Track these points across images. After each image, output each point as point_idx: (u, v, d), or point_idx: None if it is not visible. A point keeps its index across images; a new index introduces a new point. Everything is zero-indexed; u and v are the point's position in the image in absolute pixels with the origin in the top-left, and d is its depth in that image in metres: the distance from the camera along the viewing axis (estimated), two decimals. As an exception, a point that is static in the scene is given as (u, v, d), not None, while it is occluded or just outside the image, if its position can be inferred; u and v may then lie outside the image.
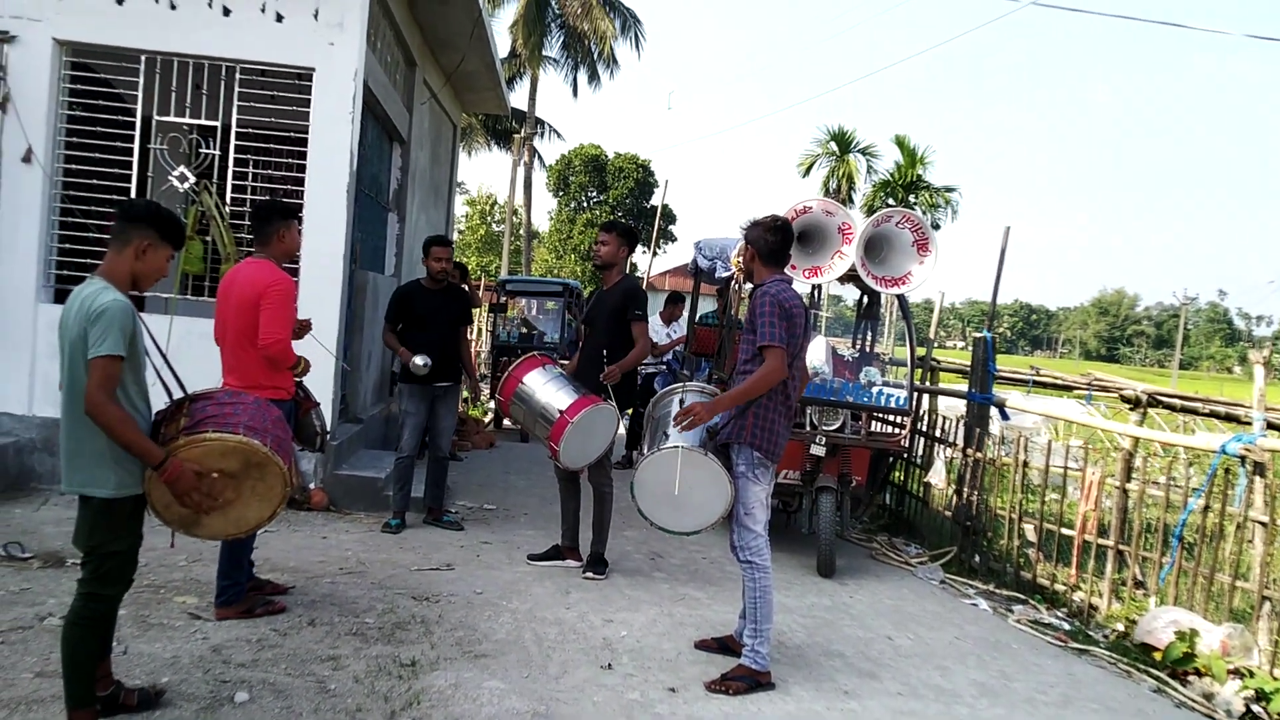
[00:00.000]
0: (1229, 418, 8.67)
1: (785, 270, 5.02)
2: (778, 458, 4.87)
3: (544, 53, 39.17)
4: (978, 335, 8.42)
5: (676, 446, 4.93)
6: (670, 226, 60.79)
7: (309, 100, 7.69)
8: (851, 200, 51.95)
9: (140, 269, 3.76)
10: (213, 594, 5.30)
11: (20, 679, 4.17)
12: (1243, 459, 5.88)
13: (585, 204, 60.60)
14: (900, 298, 7.71)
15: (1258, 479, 5.78)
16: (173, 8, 7.50)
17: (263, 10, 7.58)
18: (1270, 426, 6.82)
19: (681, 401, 5.17)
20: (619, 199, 59.22)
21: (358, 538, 6.96)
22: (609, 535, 6.69)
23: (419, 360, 6.95)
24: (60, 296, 7.64)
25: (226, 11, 7.55)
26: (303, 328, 5.28)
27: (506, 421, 13.84)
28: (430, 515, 7.51)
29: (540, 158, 48.36)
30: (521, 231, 46.01)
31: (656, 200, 59.81)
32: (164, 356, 3.95)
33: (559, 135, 46.72)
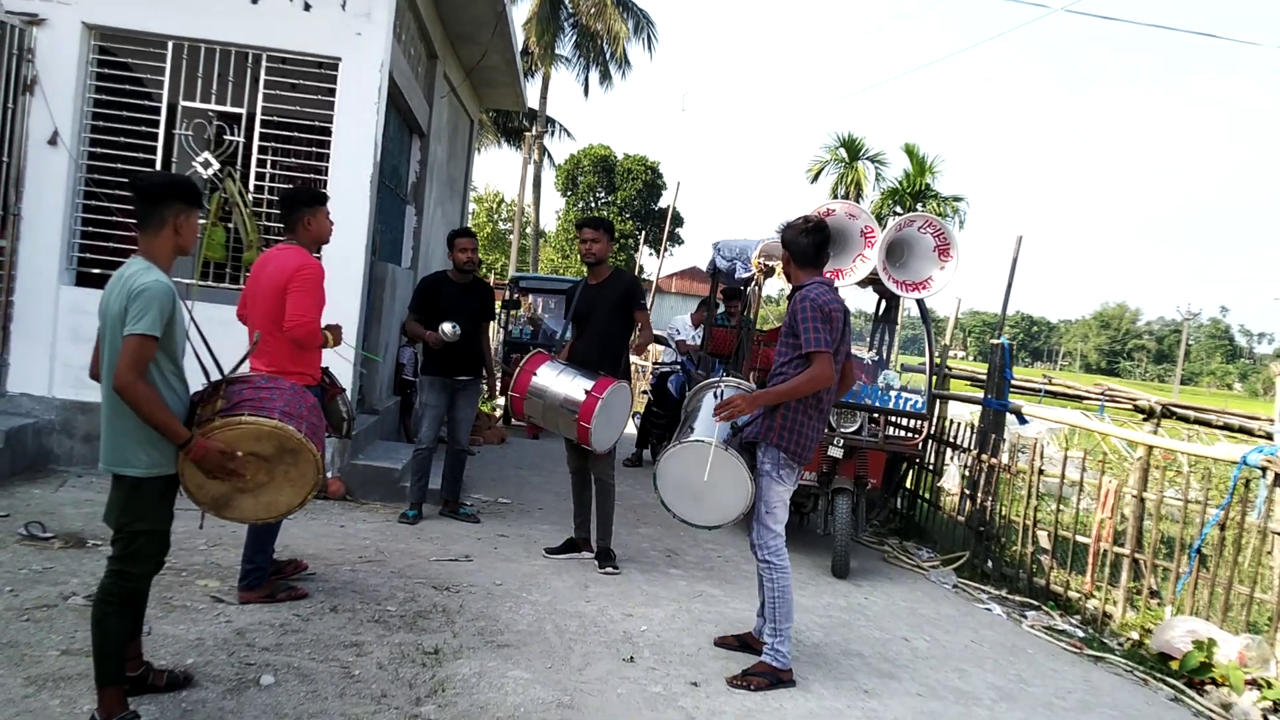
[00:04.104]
0: (1242, 430, 8.71)
1: (823, 272, 5.00)
2: (806, 460, 4.86)
3: (556, 51, 39.23)
4: (995, 342, 8.43)
5: (704, 442, 4.94)
6: (677, 229, 60.88)
7: (334, 90, 7.72)
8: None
9: (181, 242, 3.76)
10: (234, 578, 5.34)
11: (46, 656, 4.19)
12: (1264, 470, 5.89)
13: (593, 204, 60.68)
14: (920, 302, 7.72)
15: (1278, 490, 5.79)
16: (203, -7, 7.52)
17: (291, -1, 7.60)
18: None
19: (718, 395, 5.19)
20: (627, 200, 59.32)
21: (375, 527, 6.98)
22: (614, 527, 6.75)
23: (448, 327, 6.95)
24: (82, 280, 7.66)
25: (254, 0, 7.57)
26: (335, 335, 5.27)
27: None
28: (447, 507, 7.53)
29: (550, 156, 48.46)
30: (529, 230, 46.05)
31: (664, 202, 59.93)
32: (203, 339, 3.96)
33: (569, 134, 46.82)
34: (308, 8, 7.59)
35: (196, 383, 3.92)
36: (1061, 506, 7.35)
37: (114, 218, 7.62)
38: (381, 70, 7.66)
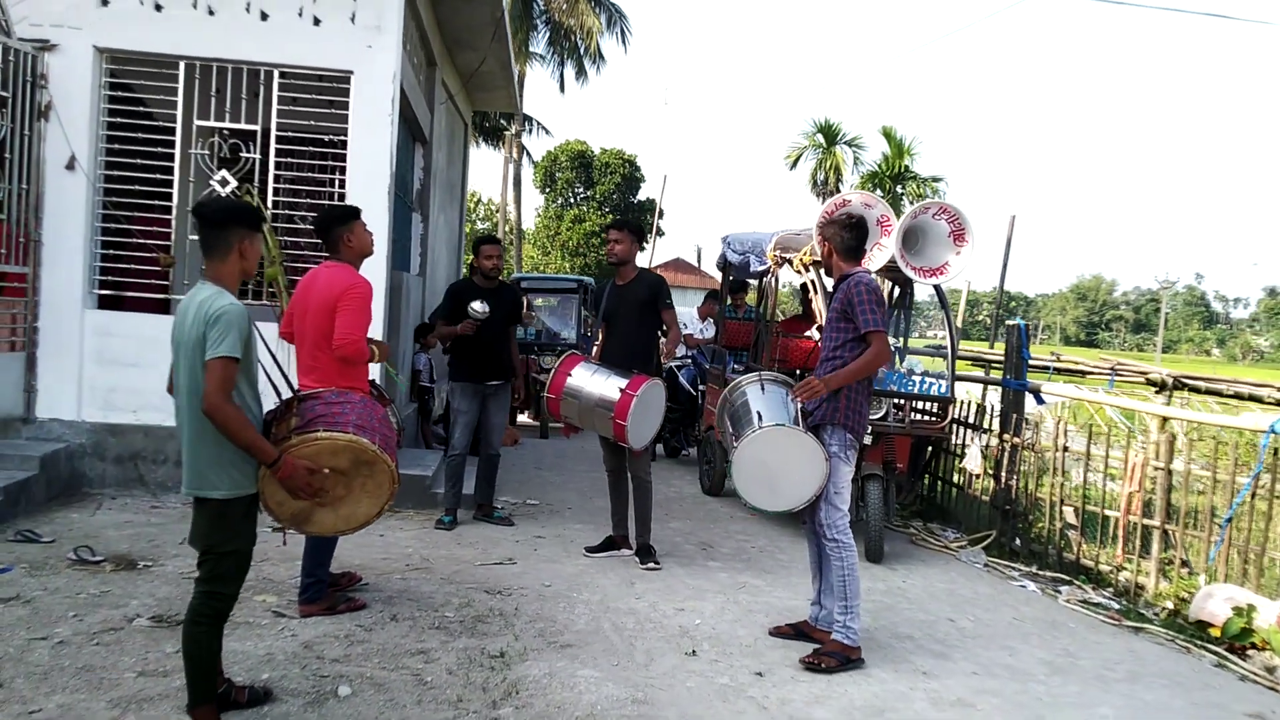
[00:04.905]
0: (1252, 398, 8.87)
1: (863, 264, 5.15)
2: (862, 439, 5.08)
3: (530, 49, 39.16)
4: (1011, 323, 8.55)
5: (783, 425, 5.04)
6: (659, 221, 60.90)
7: (347, 103, 7.76)
8: (839, 192, 52.26)
9: (246, 265, 3.82)
10: (290, 592, 5.40)
11: (124, 679, 4.24)
12: (1292, 437, 6.03)
13: (572, 200, 60.55)
14: (937, 288, 7.82)
15: (1307, 456, 5.94)
16: (211, 14, 7.55)
17: (300, 14, 7.64)
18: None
19: (764, 388, 5.29)
20: (605, 195, 59.19)
21: (414, 535, 7.04)
22: (652, 524, 6.82)
23: (477, 305, 7.01)
24: (105, 302, 7.69)
25: (264, 16, 7.61)
26: (381, 351, 5.32)
27: (523, 418, 13.97)
28: (480, 511, 7.60)
29: (528, 154, 48.41)
30: (511, 229, 45.98)
31: (643, 195, 59.90)
32: (274, 358, 4.02)
33: (546, 131, 46.72)
34: (318, 22, 7.63)
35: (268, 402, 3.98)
36: (1078, 482, 7.48)
37: (135, 239, 7.64)
38: (394, 82, 7.71)
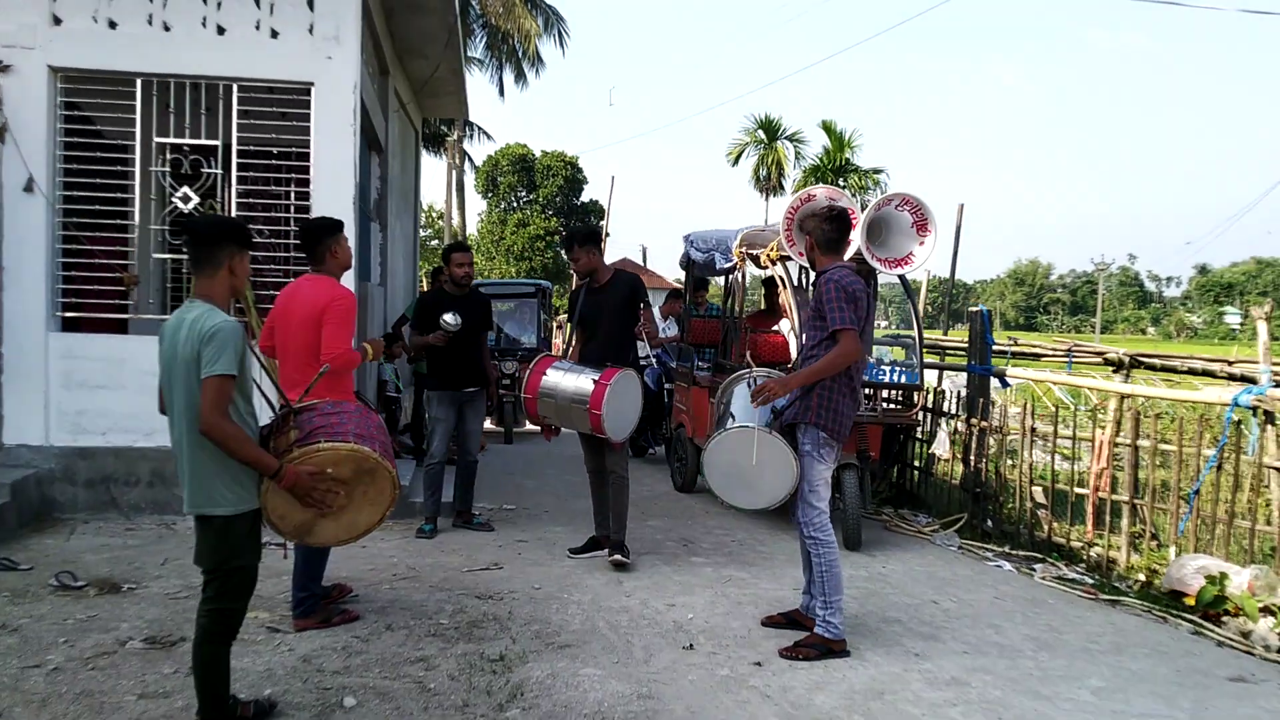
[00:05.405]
0: (1205, 373, 9.11)
1: (844, 256, 5.21)
2: (844, 437, 5.07)
3: (468, 54, 38.98)
4: (973, 309, 8.72)
5: (748, 427, 5.11)
6: (601, 222, 60.88)
7: (308, 115, 7.72)
8: (782, 187, 52.64)
9: (236, 282, 3.82)
10: (280, 607, 5.39)
11: (125, 701, 4.22)
12: (1254, 410, 6.23)
13: (515, 204, 60.34)
14: (902, 278, 7.95)
15: (1270, 428, 6.13)
16: (167, 29, 7.49)
17: (257, 27, 7.60)
18: (1245, 380, 7.23)
19: (751, 383, 5.36)
20: (549, 197, 59.05)
21: (396, 544, 7.04)
22: (629, 522, 6.84)
23: (449, 316, 7.02)
24: (68, 325, 7.58)
25: (221, 30, 7.55)
26: (375, 349, 5.33)
27: (487, 424, 13.93)
28: (460, 518, 7.61)
29: (470, 159, 48.18)
30: (455, 236, 45.76)
31: (587, 197, 59.88)
32: (266, 371, 4.02)
33: (488, 136, 46.58)
34: (275, 35, 7.59)
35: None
36: (1050, 460, 7.66)
37: (97, 260, 7.54)
38: (355, 92, 7.69)
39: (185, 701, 4.16)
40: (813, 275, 5.44)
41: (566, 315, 7.86)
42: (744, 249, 8.13)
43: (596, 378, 6.27)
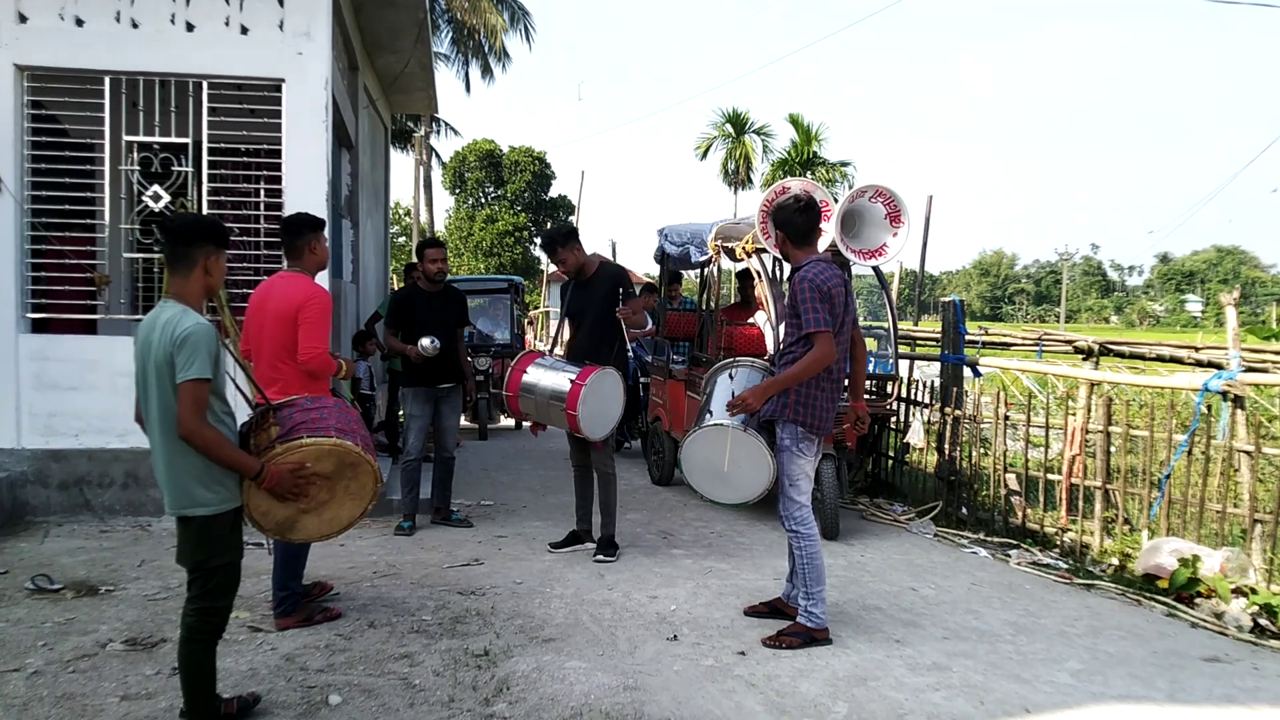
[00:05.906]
0: (1173, 360, 9.22)
1: (818, 248, 5.18)
2: (825, 431, 5.06)
3: (435, 49, 38.75)
4: (946, 300, 8.80)
5: (722, 425, 5.13)
6: (570, 217, 60.83)
7: (279, 111, 7.66)
8: (750, 181, 52.87)
9: (211, 282, 3.79)
10: (261, 607, 5.36)
11: (108, 704, 4.19)
12: (1224, 394, 6.32)
13: (483, 200, 60.15)
14: (876, 270, 8.00)
15: (1239, 412, 6.23)
16: (135, 26, 7.40)
17: (227, 23, 7.53)
18: (1212, 365, 7.34)
19: (732, 376, 5.38)
20: (517, 193, 58.90)
21: (375, 542, 7.02)
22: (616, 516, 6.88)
23: (426, 341, 7.01)
24: (38, 326, 7.49)
25: (190, 27, 7.48)
26: (349, 368, 5.30)
27: (462, 420, 13.90)
28: (438, 515, 7.59)
29: (438, 156, 47.97)
30: (424, 232, 45.54)
31: (555, 192, 59.81)
32: (244, 369, 4.00)
33: (455, 132, 46.41)
34: (245, 31, 7.53)
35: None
36: (1019, 447, 7.74)
37: (67, 260, 7.46)
38: (326, 88, 7.64)
39: (169, 702, 4.15)
40: (787, 269, 5.43)
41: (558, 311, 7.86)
42: (719, 242, 8.15)
43: (573, 377, 6.28)
